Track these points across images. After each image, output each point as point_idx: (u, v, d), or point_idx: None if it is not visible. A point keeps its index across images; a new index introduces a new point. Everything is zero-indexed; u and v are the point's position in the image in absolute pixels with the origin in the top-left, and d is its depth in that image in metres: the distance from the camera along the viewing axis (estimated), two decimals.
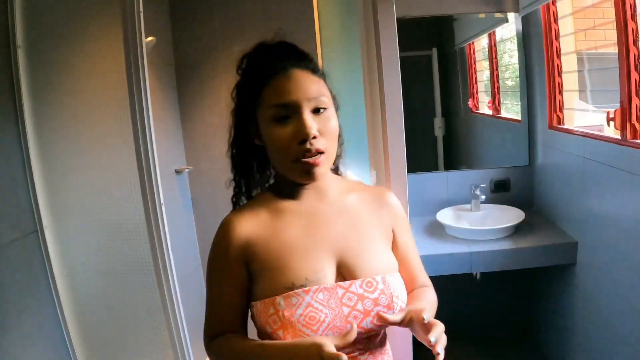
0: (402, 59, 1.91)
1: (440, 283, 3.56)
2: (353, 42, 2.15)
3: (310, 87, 1.26)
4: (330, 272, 1.30)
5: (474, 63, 3.74)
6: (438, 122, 3.64)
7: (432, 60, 3.60)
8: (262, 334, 1.28)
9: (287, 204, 1.37)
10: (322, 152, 1.26)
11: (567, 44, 3.04)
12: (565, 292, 3.08)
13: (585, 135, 2.77)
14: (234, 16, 3.57)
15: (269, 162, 1.42)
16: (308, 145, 1.23)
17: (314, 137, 1.24)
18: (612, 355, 2.58)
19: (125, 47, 2.12)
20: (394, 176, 1.89)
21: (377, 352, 1.37)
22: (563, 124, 3.13)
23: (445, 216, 3.31)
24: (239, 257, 1.31)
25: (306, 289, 1.24)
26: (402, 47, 1.88)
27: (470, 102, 3.70)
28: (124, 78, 2.16)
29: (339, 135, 1.39)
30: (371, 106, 1.94)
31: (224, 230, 1.33)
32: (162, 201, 2.21)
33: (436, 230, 3.28)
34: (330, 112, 1.30)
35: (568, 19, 3.00)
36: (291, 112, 1.25)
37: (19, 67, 2.38)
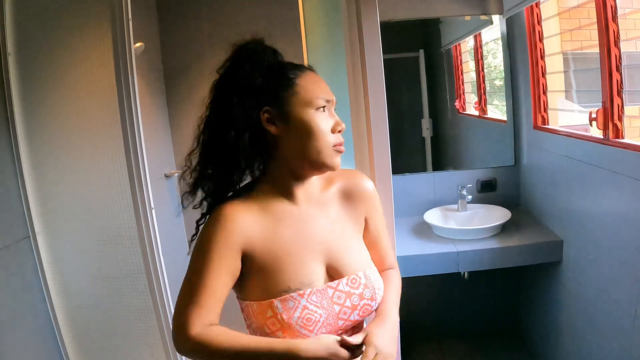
0: (389, 61, 1.94)
1: (428, 282, 3.62)
2: (338, 47, 2.17)
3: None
4: (320, 274, 1.37)
5: (461, 64, 3.77)
6: (426, 123, 3.67)
7: (419, 61, 3.63)
8: (259, 333, 1.32)
9: (280, 205, 1.40)
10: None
11: (553, 45, 3.08)
12: (552, 290, 3.11)
13: (569, 135, 2.81)
14: (221, 22, 3.59)
15: (266, 156, 1.40)
16: (342, 136, 1.38)
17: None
18: (598, 350, 2.61)
19: (114, 54, 2.14)
20: (379, 178, 1.92)
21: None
22: (548, 124, 3.17)
23: (432, 216, 3.34)
24: (237, 249, 1.32)
25: (301, 292, 1.31)
26: (389, 49, 1.92)
27: (457, 103, 3.73)
28: (113, 84, 2.18)
29: None
30: (356, 109, 1.96)
31: (222, 219, 1.32)
32: (152, 205, 2.22)
33: (424, 230, 3.31)
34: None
35: (554, 19, 3.03)
36: (328, 106, 1.38)
37: (10, 75, 2.39)
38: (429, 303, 3.79)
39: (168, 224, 3.62)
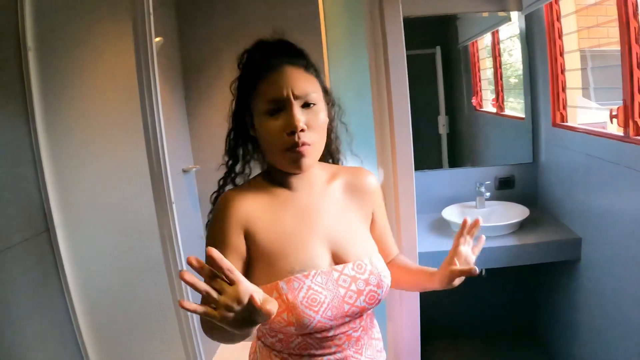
0: (406, 58, 1.93)
1: None
2: (359, 42, 2.17)
3: (300, 84, 1.35)
4: (325, 258, 1.41)
5: (478, 61, 3.76)
6: (442, 120, 3.66)
7: (435, 58, 3.62)
8: None
9: (282, 192, 1.46)
10: (308, 144, 1.33)
11: (570, 42, 3.06)
12: (570, 288, 3.10)
13: (589, 133, 2.79)
14: (239, 17, 3.60)
15: (259, 152, 1.51)
16: (296, 138, 1.32)
17: (302, 130, 1.32)
18: (616, 351, 2.60)
19: (135, 48, 2.15)
20: (401, 173, 1.92)
21: (368, 328, 1.52)
22: (566, 122, 3.15)
23: (450, 213, 3.33)
24: (241, 230, 1.38)
25: (305, 273, 1.35)
26: (406, 46, 1.91)
27: (474, 100, 3.72)
28: (133, 78, 2.19)
29: (332, 131, 1.55)
30: (379, 104, 1.96)
31: (226, 203, 1.39)
32: (172, 199, 2.23)
33: (441, 227, 3.30)
34: (319, 107, 1.39)
35: (571, 17, 3.01)
36: (282, 106, 1.34)
37: (30, 69, 2.41)
38: (445, 300, 3.77)
39: (186, 219, 3.64)
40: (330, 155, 1.63)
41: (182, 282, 2.20)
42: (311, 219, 1.44)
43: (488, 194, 3.36)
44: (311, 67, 1.44)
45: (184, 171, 3.66)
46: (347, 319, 1.39)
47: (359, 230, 1.52)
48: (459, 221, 3.12)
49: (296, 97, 1.33)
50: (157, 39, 2.86)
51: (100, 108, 2.42)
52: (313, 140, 1.35)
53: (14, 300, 2.25)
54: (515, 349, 3.67)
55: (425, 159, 3.64)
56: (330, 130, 1.53)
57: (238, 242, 1.38)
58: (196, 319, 2.36)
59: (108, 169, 2.45)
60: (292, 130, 1.31)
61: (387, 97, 1.90)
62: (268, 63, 1.37)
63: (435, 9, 3.40)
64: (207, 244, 1.40)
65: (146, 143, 2.20)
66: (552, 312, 3.45)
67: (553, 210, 3.33)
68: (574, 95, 3.11)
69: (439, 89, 3.64)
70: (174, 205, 2.24)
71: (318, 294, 1.33)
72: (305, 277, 1.34)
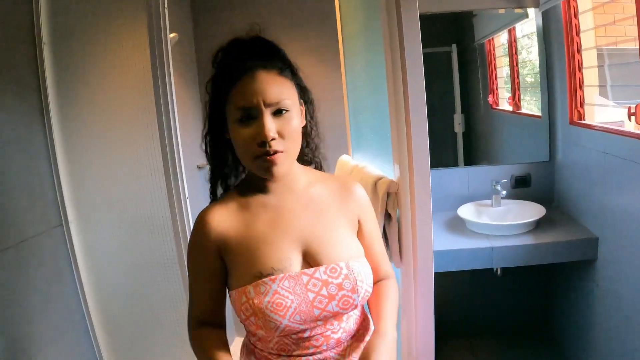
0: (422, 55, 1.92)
1: (460, 278, 3.59)
2: (376, 38, 2.16)
3: (272, 90, 1.32)
4: (296, 261, 1.39)
5: (494, 59, 3.74)
6: (458, 118, 3.64)
7: (451, 56, 3.60)
8: (239, 320, 1.38)
9: (256, 198, 1.45)
10: (281, 152, 1.32)
11: (588, 39, 3.04)
12: (586, 288, 3.07)
13: (606, 131, 2.76)
14: (255, 12, 3.60)
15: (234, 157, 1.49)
16: (267, 147, 1.30)
17: (273, 139, 1.30)
18: (633, 352, 2.57)
19: (150, 43, 2.15)
20: (417, 170, 1.90)
21: (353, 330, 1.49)
22: (584, 120, 3.13)
23: (466, 211, 3.32)
24: (214, 250, 1.40)
25: (273, 277, 1.34)
26: (422, 43, 1.89)
27: (490, 98, 3.70)
28: (148, 74, 2.19)
29: (309, 129, 1.53)
30: (395, 102, 1.95)
31: (200, 225, 1.42)
32: (186, 195, 2.23)
33: (457, 225, 3.29)
34: (292, 113, 1.36)
35: (588, 14, 2.99)
36: (253, 114, 1.31)
37: (45, 64, 2.42)
38: (460, 299, 3.77)
39: None
40: (306, 154, 1.59)
41: None
42: (283, 221, 1.43)
43: (504, 192, 3.34)
44: (286, 68, 1.40)
45: (199, 167, 3.67)
46: (321, 323, 1.38)
47: (339, 233, 1.48)
48: (475, 220, 3.14)
49: (267, 105, 1.31)
50: (172, 35, 2.87)
51: (115, 103, 2.42)
52: (285, 148, 1.34)
53: (27, 294, 2.26)
54: (529, 349, 3.65)
55: (441, 157, 3.63)
56: (306, 130, 1.51)
57: (215, 265, 1.41)
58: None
59: (122, 164, 2.45)
60: (262, 140, 1.30)
61: (403, 94, 1.88)
62: (241, 67, 1.34)
63: (452, 6, 3.38)
64: (188, 268, 1.49)
65: (160, 139, 2.20)
66: (567, 312, 3.42)
67: (569, 209, 3.31)
68: (591, 93, 3.08)
69: (455, 87, 3.62)
70: (187, 201, 2.24)
71: (284, 298, 1.32)
72: (272, 282, 1.33)
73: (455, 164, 3.67)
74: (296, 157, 1.42)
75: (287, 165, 1.37)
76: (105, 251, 2.58)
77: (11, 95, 2.27)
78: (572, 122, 3.20)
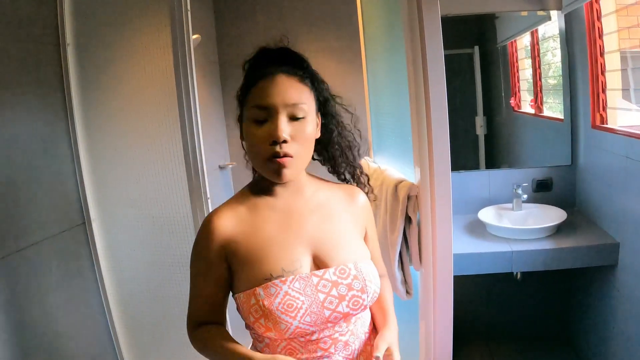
0: (444, 57, 1.92)
1: (479, 282, 3.58)
2: (397, 40, 2.16)
3: (290, 94, 1.34)
4: (305, 263, 1.39)
5: (516, 61, 3.72)
6: (480, 121, 3.63)
7: (473, 58, 3.59)
8: (247, 323, 1.39)
9: (265, 201, 1.46)
10: (290, 156, 1.33)
11: (610, 42, 3.01)
12: (606, 294, 3.04)
13: (629, 135, 2.74)
14: (277, 14, 3.61)
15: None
16: (277, 148, 1.31)
17: (285, 141, 1.31)
18: None
19: (173, 45, 2.16)
20: (437, 173, 1.91)
21: (361, 333, 1.49)
22: (606, 123, 3.10)
23: (486, 215, 3.31)
24: (219, 254, 1.40)
25: (283, 279, 1.34)
26: (444, 45, 1.89)
27: (512, 101, 3.68)
28: (171, 74, 2.21)
29: (335, 144, 1.54)
30: (416, 103, 1.95)
31: (206, 229, 1.42)
32: (208, 195, 2.24)
33: (477, 228, 3.28)
34: (308, 120, 1.37)
35: (611, 16, 2.96)
36: (268, 114, 1.33)
37: (69, 65, 2.45)
38: (479, 303, 3.75)
39: None
40: (338, 172, 1.61)
41: None
42: (293, 223, 1.43)
43: (525, 196, 3.33)
44: (308, 77, 1.41)
45: (221, 167, 3.68)
46: (330, 325, 1.38)
47: (348, 236, 1.49)
48: (495, 223, 3.13)
49: (283, 107, 1.32)
50: (195, 37, 2.89)
51: (138, 104, 2.44)
52: (296, 153, 1.34)
53: (49, 291, 2.29)
54: (548, 354, 3.63)
55: (462, 159, 3.62)
56: (326, 144, 1.53)
57: (219, 270, 1.41)
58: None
59: (144, 164, 2.47)
60: (274, 140, 1.30)
61: (424, 96, 1.89)
62: (263, 70, 1.36)
63: (474, 8, 3.37)
64: (190, 270, 1.48)
65: (182, 139, 2.21)
66: (586, 317, 3.39)
67: (591, 214, 3.28)
68: (613, 97, 3.05)
69: (477, 89, 3.61)
70: (209, 201, 2.25)
71: (295, 299, 1.32)
72: (282, 283, 1.33)
73: (476, 166, 3.66)
74: (306, 164, 1.44)
75: (295, 170, 1.38)
76: (126, 249, 2.60)
77: (35, 96, 2.29)
78: (594, 126, 3.17)
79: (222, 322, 1.48)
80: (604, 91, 3.08)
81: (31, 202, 2.22)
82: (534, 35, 3.62)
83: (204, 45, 3.45)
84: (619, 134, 2.86)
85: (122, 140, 2.51)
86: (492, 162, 3.67)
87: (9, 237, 2.10)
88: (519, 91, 3.71)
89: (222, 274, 1.41)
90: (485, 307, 3.77)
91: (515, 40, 3.68)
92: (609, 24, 2.99)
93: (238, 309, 1.42)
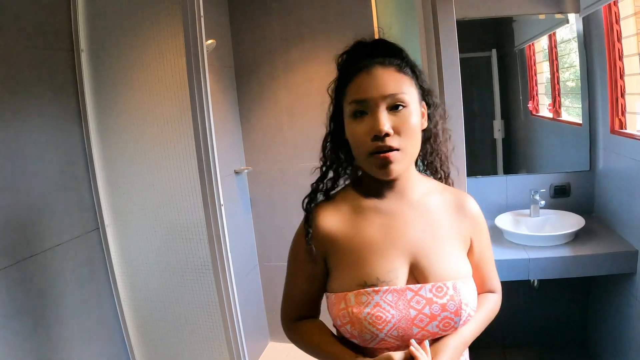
0: (461, 61, 1.90)
1: None
2: (413, 43, 2.14)
3: (388, 84, 1.28)
4: (402, 273, 1.33)
5: (534, 65, 3.68)
6: (497, 125, 3.59)
7: (491, 61, 3.56)
8: (334, 324, 1.36)
9: (369, 202, 1.40)
10: (396, 149, 1.27)
11: (629, 46, 2.97)
12: (624, 303, 3.00)
13: None
14: (292, 19, 3.59)
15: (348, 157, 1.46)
16: (380, 142, 1.26)
17: (387, 135, 1.25)
18: None
19: (186, 50, 2.16)
20: (453, 179, 1.88)
21: None
22: (625, 129, 3.06)
23: (503, 221, 3.27)
24: (318, 250, 1.38)
25: (376, 288, 1.28)
26: (461, 49, 1.88)
27: (530, 105, 3.64)
28: (185, 80, 2.21)
29: (433, 137, 1.46)
30: None
31: (308, 224, 1.40)
32: (221, 202, 2.24)
33: (494, 235, 3.22)
34: (411, 109, 1.30)
35: (630, 20, 2.92)
36: (367, 108, 1.28)
37: (83, 70, 2.46)
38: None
39: (237, 220, 3.66)
40: (430, 162, 1.53)
41: (229, 284, 2.23)
42: (395, 229, 1.37)
43: (543, 202, 3.29)
44: (407, 66, 1.34)
45: (236, 172, 3.68)
46: (416, 341, 1.29)
47: (450, 250, 1.40)
48: (513, 230, 3.09)
49: (382, 99, 1.27)
50: (210, 42, 2.88)
51: (151, 109, 2.44)
52: (402, 146, 1.28)
53: (63, 296, 2.29)
54: None
55: (480, 164, 3.59)
56: (429, 136, 1.46)
57: (316, 266, 1.40)
58: (242, 321, 2.36)
59: (159, 169, 2.47)
60: (375, 134, 1.26)
61: (440, 99, 1.87)
62: (358, 64, 1.32)
63: (491, 12, 3.35)
64: (288, 265, 1.49)
65: (196, 145, 2.21)
66: (604, 326, 3.35)
67: (609, 221, 3.24)
68: (633, 101, 3.01)
69: (494, 93, 3.58)
70: (223, 208, 2.24)
71: (385, 312, 1.26)
72: (375, 293, 1.28)
73: (494, 171, 3.62)
74: (414, 159, 1.37)
75: (403, 165, 1.31)
76: (140, 255, 2.60)
77: (50, 101, 2.30)
78: (613, 131, 3.13)
79: (316, 315, 1.52)
80: (622, 95, 3.05)
81: (46, 207, 2.23)
82: (551, 38, 3.58)
83: (219, 49, 3.45)
84: (638, 139, 2.81)
85: (136, 145, 2.51)
86: (510, 167, 3.63)
87: (24, 242, 2.11)
88: (536, 95, 3.68)
89: (318, 271, 1.41)
90: (501, 313, 3.71)
91: (533, 44, 3.65)
92: (627, 27, 2.95)
93: (328, 307, 1.39)
